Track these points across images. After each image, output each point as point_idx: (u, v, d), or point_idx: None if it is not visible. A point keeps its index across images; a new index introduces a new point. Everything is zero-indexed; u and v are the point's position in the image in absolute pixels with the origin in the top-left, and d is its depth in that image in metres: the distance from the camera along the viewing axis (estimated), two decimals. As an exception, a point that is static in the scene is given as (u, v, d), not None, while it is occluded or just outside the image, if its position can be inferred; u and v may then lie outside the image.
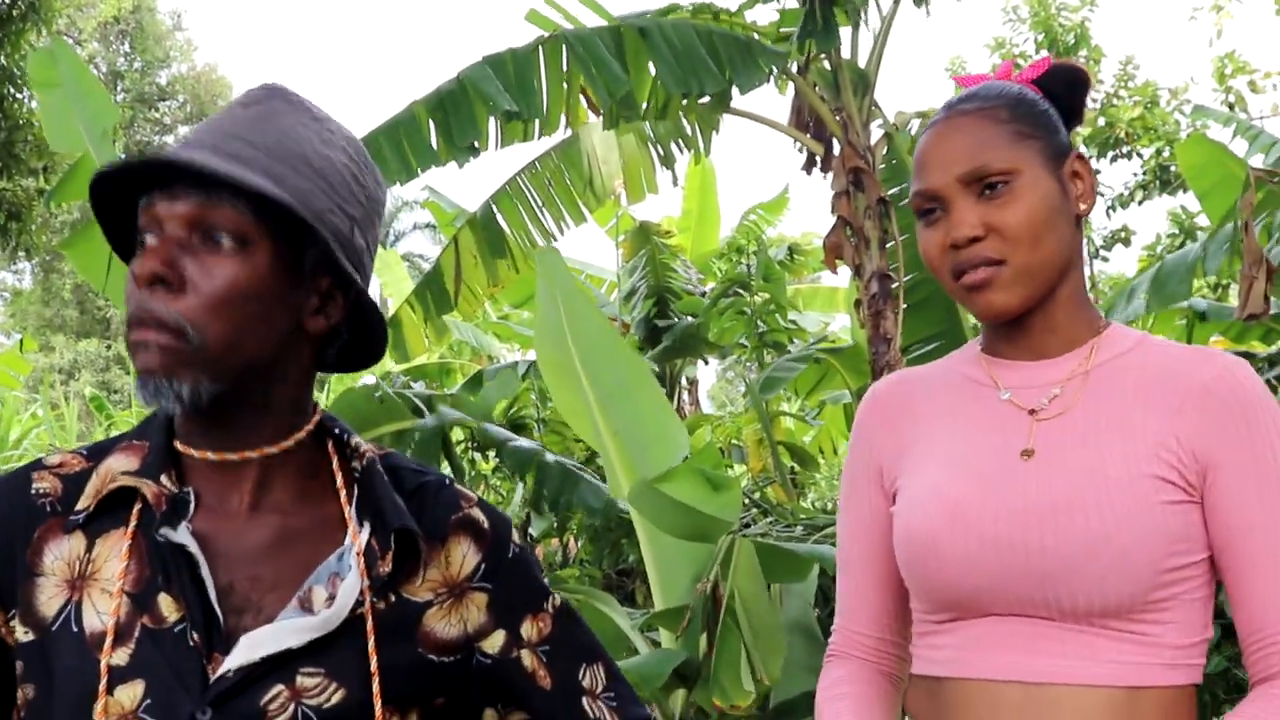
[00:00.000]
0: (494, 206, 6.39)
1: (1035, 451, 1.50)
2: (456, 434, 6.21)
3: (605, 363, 4.13)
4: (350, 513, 1.39)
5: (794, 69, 6.05)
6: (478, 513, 1.48)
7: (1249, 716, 1.43)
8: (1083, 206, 1.55)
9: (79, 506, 1.34)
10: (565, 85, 5.30)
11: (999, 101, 1.54)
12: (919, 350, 6.42)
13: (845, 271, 6.83)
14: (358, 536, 1.37)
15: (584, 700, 1.50)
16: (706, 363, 11.09)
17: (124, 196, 1.37)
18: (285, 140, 1.35)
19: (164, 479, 1.33)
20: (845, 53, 6.11)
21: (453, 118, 5.09)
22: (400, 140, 4.97)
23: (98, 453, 1.40)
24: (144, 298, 1.29)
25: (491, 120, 5.16)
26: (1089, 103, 1.65)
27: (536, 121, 5.42)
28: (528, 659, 1.47)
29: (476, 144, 5.18)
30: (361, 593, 1.34)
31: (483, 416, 5.77)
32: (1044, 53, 14.76)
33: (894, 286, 6.04)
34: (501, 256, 6.29)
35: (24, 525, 1.35)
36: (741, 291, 7.57)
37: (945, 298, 6.45)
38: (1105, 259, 14.16)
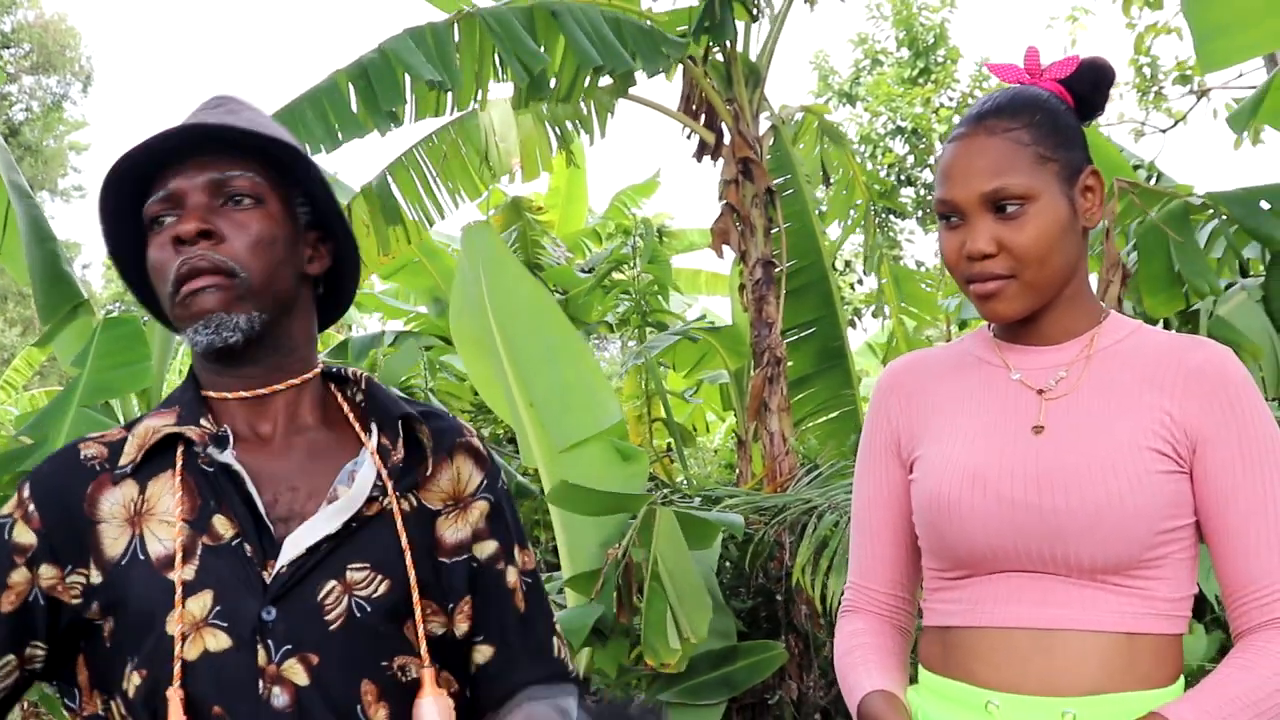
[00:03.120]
0: (389, 177, 6.45)
1: (1045, 427, 1.66)
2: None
3: (529, 332, 4.25)
4: (360, 428, 1.61)
5: (689, 59, 6.25)
6: (478, 442, 1.70)
7: (1236, 667, 1.59)
8: (1091, 220, 1.69)
9: (123, 461, 1.54)
10: (478, 61, 5.39)
11: (1023, 121, 1.66)
12: (796, 335, 6.71)
13: (706, 254, 7.06)
14: (369, 439, 1.59)
15: (554, 639, 1.71)
16: (575, 339, 11.27)
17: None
18: (257, 121, 1.60)
19: (203, 421, 1.55)
20: (739, 45, 6.33)
21: (376, 84, 5.14)
22: (324, 109, 5.02)
23: (132, 424, 1.60)
24: (189, 253, 1.51)
25: (410, 90, 5.25)
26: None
27: (449, 96, 5.50)
28: (512, 576, 1.66)
29: (397, 111, 5.26)
30: (381, 479, 1.55)
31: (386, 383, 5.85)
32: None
33: (776, 272, 6.30)
34: (396, 224, 6.37)
35: (77, 485, 1.53)
36: (619, 273, 7.75)
37: (823, 284, 6.75)
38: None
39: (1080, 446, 1.63)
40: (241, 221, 1.53)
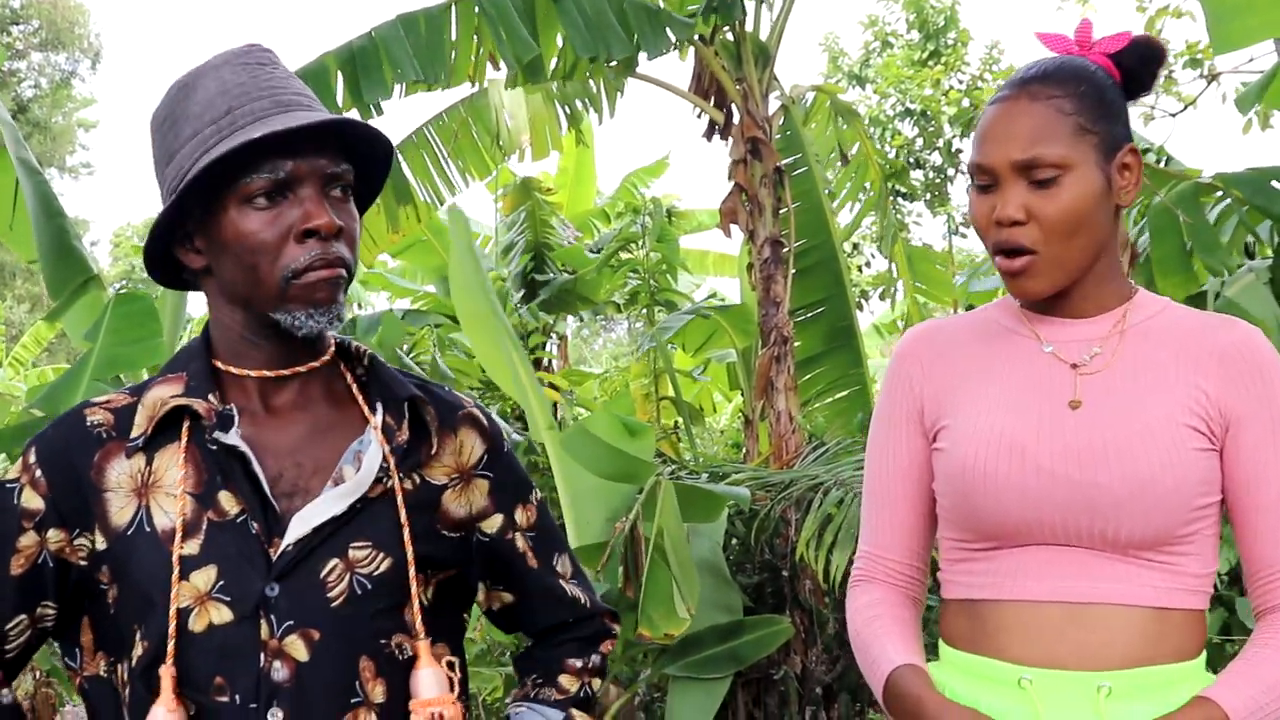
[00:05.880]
0: (400, 155, 6.47)
1: (1082, 402, 1.66)
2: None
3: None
4: (364, 404, 1.63)
5: (698, 39, 6.25)
6: (477, 411, 1.73)
7: (1275, 648, 1.62)
8: (1126, 198, 1.67)
9: (135, 433, 1.56)
10: (476, 46, 5.39)
11: (1068, 90, 1.64)
12: (805, 314, 6.73)
13: (715, 235, 7.07)
14: (374, 417, 1.60)
15: (561, 582, 1.78)
16: (581, 319, 11.32)
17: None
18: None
19: (210, 397, 1.55)
20: (748, 25, 6.34)
21: (361, 74, 5.16)
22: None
23: (138, 390, 1.61)
24: (328, 248, 1.51)
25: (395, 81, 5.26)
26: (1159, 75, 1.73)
27: (442, 74, 5.51)
28: (520, 541, 1.74)
29: (381, 102, 5.27)
30: (386, 460, 1.57)
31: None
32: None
33: (785, 252, 6.31)
34: (406, 203, 6.38)
35: (84, 452, 1.55)
36: (627, 252, 7.76)
37: (833, 264, 6.76)
38: (964, 236, 14.64)
39: (1118, 422, 1.63)
40: (350, 214, 1.56)
